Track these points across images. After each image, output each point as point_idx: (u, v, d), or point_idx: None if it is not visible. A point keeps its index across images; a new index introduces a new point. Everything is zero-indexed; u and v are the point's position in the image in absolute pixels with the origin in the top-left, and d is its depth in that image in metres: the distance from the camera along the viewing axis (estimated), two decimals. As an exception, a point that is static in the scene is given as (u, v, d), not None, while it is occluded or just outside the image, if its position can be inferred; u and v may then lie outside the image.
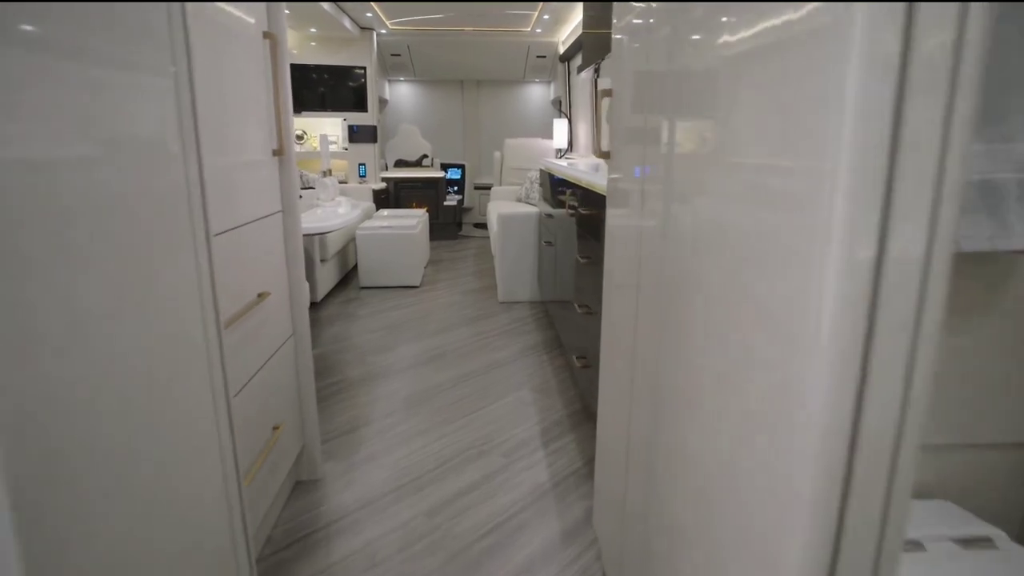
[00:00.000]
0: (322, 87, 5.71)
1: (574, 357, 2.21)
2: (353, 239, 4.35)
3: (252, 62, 1.54)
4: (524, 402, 2.50)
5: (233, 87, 1.42)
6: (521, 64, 6.73)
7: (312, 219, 3.27)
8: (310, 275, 3.74)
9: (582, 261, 2.16)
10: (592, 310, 1.99)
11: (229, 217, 1.35)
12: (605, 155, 1.45)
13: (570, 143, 6.02)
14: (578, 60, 5.88)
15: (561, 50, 6.20)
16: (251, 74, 1.54)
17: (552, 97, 7.27)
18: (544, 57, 6.54)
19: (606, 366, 1.43)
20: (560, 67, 6.36)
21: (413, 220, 4.55)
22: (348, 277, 4.53)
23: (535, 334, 3.36)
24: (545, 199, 3.59)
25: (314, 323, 3.51)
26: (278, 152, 1.67)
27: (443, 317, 3.65)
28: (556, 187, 3.01)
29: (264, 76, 1.60)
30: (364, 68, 5.71)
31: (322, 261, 3.86)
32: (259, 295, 1.50)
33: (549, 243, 3.24)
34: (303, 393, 1.85)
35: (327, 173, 5.01)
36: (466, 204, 7.10)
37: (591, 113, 5.09)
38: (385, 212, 5.07)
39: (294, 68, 5.49)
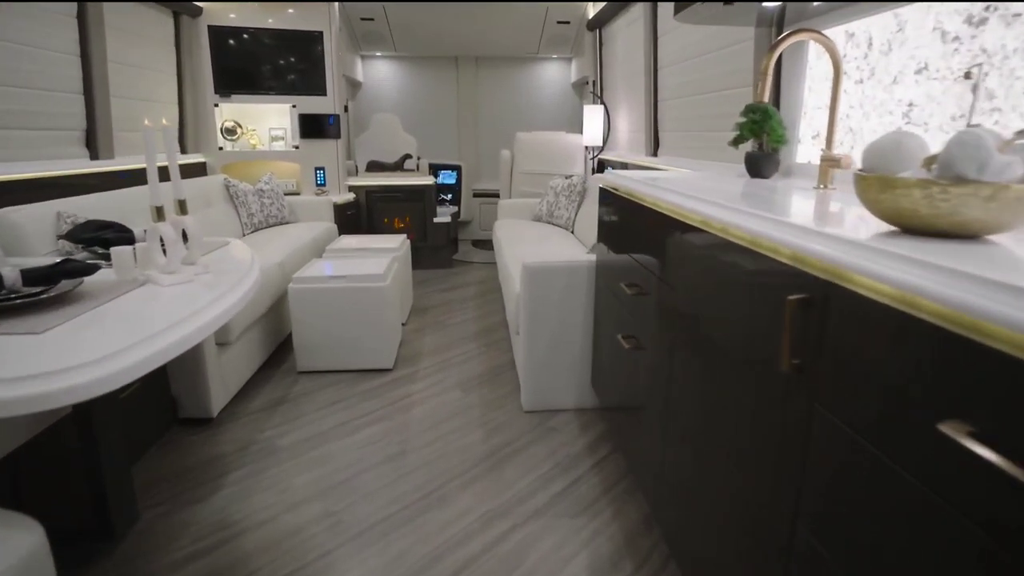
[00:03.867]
0: (262, 61, 4.07)
1: None
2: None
3: None
4: None
5: None
6: (535, 34, 5.10)
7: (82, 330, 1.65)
8: (187, 382, 2.14)
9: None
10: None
11: None
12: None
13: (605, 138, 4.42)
14: (616, 25, 4.29)
15: (591, 13, 4.60)
16: None
17: (574, 79, 5.65)
18: (567, 23, 4.92)
19: None
20: (589, 37, 4.75)
21: (384, 258, 2.95)
22: (285, 350, 2.91)
23: (604, 507, 1.79)
24: (610, 241, 2.01)
25: (181, 474, 1.92)
26: None
27: (431, 455, 2.07)
28: (658, 231, 1.43)
29: None
30: (320, 34, 4.08)
31: (222, 345, 2.27)
32: None
33: (632, 339, 1.66)
34: None
35: (179, 211, 3.38)
36: (463, 216, 5.50)
37: (647, 97, 3.49)
38: (350, 242, 3.46)
39: (216, 33, 3.85)
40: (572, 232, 3.86)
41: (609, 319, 1.99)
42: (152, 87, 3.43)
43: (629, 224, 1.72)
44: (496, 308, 3.72)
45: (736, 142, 1.93)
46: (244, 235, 3.67)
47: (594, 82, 4.62)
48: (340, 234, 4.02)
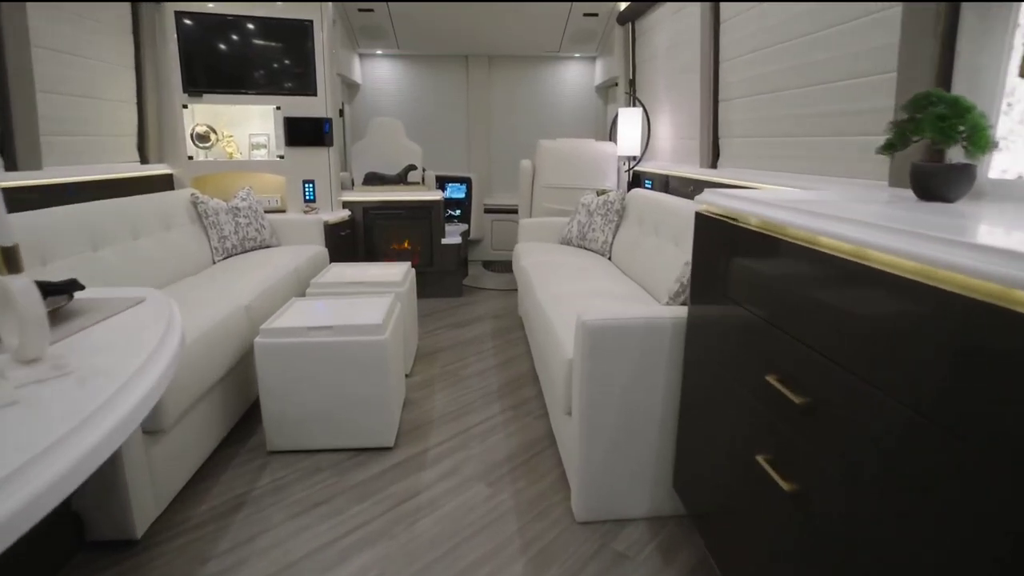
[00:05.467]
0: (240, 54, 3.44)
1: None
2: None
3: None
4: None
5: None
6: (558, 30, 4.49)
7: None
8: (96, 493, 1.48)
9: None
10: None
11: None
12: None
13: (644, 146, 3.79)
14: (655, 16, 3.67)
15: (622, 5, 3.99)
16: None
17: (598, 80, 5.03)
18: (594, 16, 4.30)
19: None
20: (619, 32, 4.13)
21: (383, 297, 2.29)
22: (253, 418, 2.21)
23: None
24: (722, 295, 1.35)
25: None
26: None
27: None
28: (871, 302, 0.77)
29: None
30: (310, 23, 3.45)
31: (152, 433, 1.60)
32: None
33: (787, 473, 1.00)
34: None
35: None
36: (472, 234, 4.86)
37: (705, 97, 2.86)
38: (341, 274, 2.81)
39: (184, 19, 3.22)
40: (610, 259, 3.20)
41: (721, 415, 1.33)
42: (100, 82, 2.79)
43: (781, 279, 1.06)
44: (519, 351, 3.05)
45: (892, 147, 1.30)
46: (215, 262, 3.02)
47: (630, 81, 3.99)
48: (331, 260, 3.37)
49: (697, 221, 1.46)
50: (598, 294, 2.29)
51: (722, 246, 1.32)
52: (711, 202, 1.37)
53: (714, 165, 2.93)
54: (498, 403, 2.46)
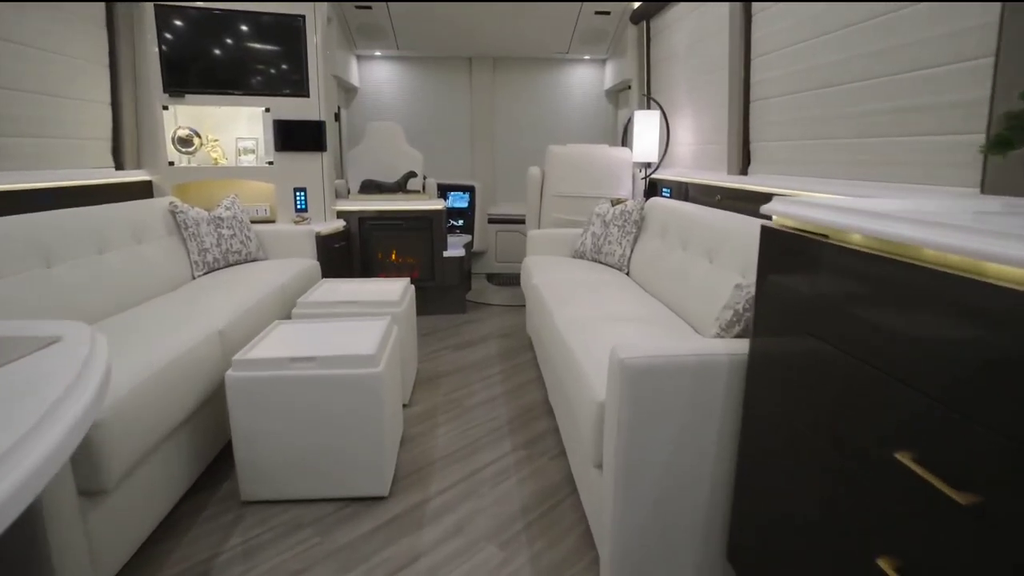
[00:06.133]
0: (225, 51, 3.18)
1: None
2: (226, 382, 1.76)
3: None
4: None
5: None
6: (567, 29, 4.24)
7: None
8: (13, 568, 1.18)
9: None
10: None
11: None
12: None
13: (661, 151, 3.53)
14: (673, 13, 3.41)
15: (636, 3, 3.74)
16: None
17: (608, 84, 4.79)
18: (606, 14, 4.06)
19: None
20: (632, 31, 3.88)
21: (378, 321, 2.01)
22: (225, 462, 1.90)
23: None
24: (804, 329, 1.07)
25: None
26: None
27: None
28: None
29: None
30: (302, 19, 3.20)
31: (91, 495, 1.31)
32: None
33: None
34: None
35: None
36: (475, 246, 4.59)
37: (735, 96, 2.60)
38: (333, 291, 2.53)
39: (165, 14, 2.97)
40: (628, 274, 2.92)
41: (803, 484, 1.04)
42: (70, 79, 2.52)
43: (914, 322, 0.78)
44: (530, 376, 2.76)
45: (1006, 144, 1.04)
46: (194, 277, 2.74)
47: (647, 82, 3.73)
48: (323, 275, 3.09)
49: (764, 236, 1.17)
50: (625, 319, 2.00)
51: (803, 268, 1.04)
52: (788, 213, 1.09)
53: (744, 171, 2.66)
54: (508, 439, 2.17)
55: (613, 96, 4.92)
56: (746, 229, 1.97)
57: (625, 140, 4.53)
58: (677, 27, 3.36)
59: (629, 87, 4.13)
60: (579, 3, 3.90)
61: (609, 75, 4.75)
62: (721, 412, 1.30)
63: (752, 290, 1.35)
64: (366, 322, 2.02)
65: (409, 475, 1.91)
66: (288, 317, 2.35)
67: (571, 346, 1.73)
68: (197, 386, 1.73)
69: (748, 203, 2.43)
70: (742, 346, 1.28)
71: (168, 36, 3.02)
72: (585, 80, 4.91)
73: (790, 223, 1.10)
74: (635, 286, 2.66)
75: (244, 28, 3.16)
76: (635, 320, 2.00)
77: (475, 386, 2.65)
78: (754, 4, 2.47)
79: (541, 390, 2.60)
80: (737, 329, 1.37)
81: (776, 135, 2.40)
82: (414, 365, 2.66)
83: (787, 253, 1.11)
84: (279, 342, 1.82)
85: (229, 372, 1.66)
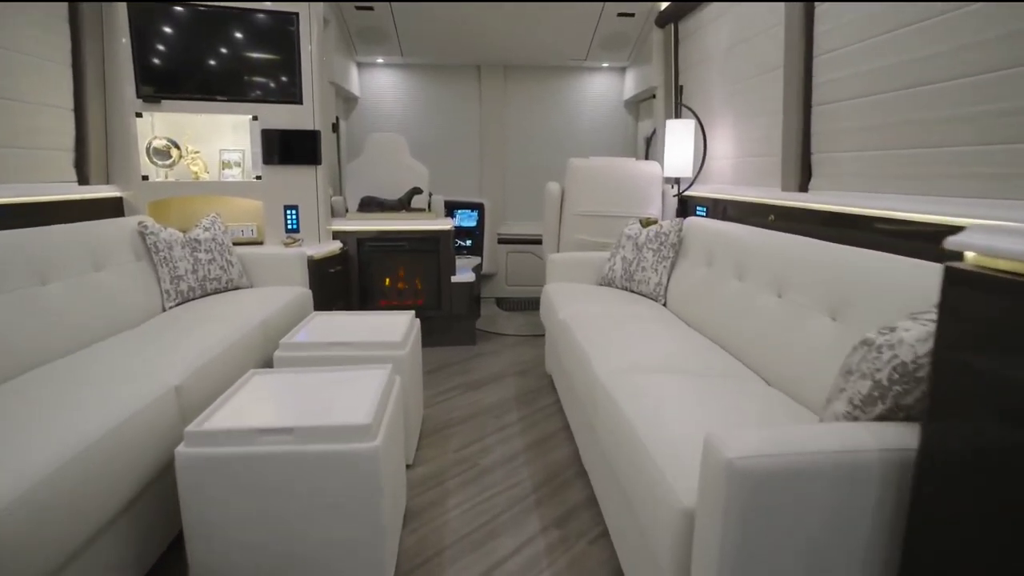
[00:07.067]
0: (207, 53, 2.83)
1: None
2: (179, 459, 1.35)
3: None
4: None
5: None
6: (586, 34, 3.91)
7: None
8: None
9: None
10: None
11: None
12: None
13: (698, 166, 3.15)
14: (708, 12, 3.07)
15: (663, 4, 3.41)
16: None
17: (629, 94, 4.45)
18: (630, 16, 3.73)
19: None
20: (658, 35, 3.54)
21: (377, 371, 1.61)
22: (177, 556, 1.48)
23: None
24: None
25: None
26: None
27: None
28: None
29: None
30: (295, 17, 2.85)
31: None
32: None
33: None
34: None
35: None
36: (485, 268, 4.21)
37: (795, 101, 2.24)
38: (324, 328, 2.14)
39: (138, 12, 2.62)
40: (665, 304, 2.54)
41: None
42: (22, 79, 2.17)
43: None
44: (554, 426, 2.36)
45: None
46: (165, 308, 2.36)
47: (680, 88, 3.38)
48: (316, 305, 2.71)
49: (950, 280, 0.79)
50: (683, 370, 1.61)
51: (996, 323, 0.65)
52: (1000, 251, 0.71)
53: (804, 187, 2.28)
54: (535, 514, 1.76)
55: (633, 107, 4.57)
56: (831, 259, 1.59)
57: (648, 154, 4.18)
58: (713, 28, 3.02)
59: (653, 96, 3.78)
60: (601, 3, 3.56)
61: (630, 84, 4.41)
62: (870, 528, 0.90)
63: (900, 353, 0.96)
64: (362, 372, 1.63)
65: (414, 570, 1.50)
66: (269, 362, 1.95)
67: (628, 416, 1.32)
68: (144, 461, 1.33)
69: (809, 224, 2.05)
70: (898, 436, 0.89)
71: (143, 35, 2.67)
72: (603, 90, 4.57)
73: (1003, 265, 0.72)
74: (678, 321, 2.27)
75: (230, 28, 2.81)
76: (698, 374, 1.61)
77: (490, 439, 2.25)
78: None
79: (570, 444, 2.19)
80: (880, 409, 0.98)
81: (847, 145, 2.03)
82: (419, 413, 2.27)
83: (995, 306, 0.72)
84: (250, 403, 1.43)
85: (180, 448, 1.26)
